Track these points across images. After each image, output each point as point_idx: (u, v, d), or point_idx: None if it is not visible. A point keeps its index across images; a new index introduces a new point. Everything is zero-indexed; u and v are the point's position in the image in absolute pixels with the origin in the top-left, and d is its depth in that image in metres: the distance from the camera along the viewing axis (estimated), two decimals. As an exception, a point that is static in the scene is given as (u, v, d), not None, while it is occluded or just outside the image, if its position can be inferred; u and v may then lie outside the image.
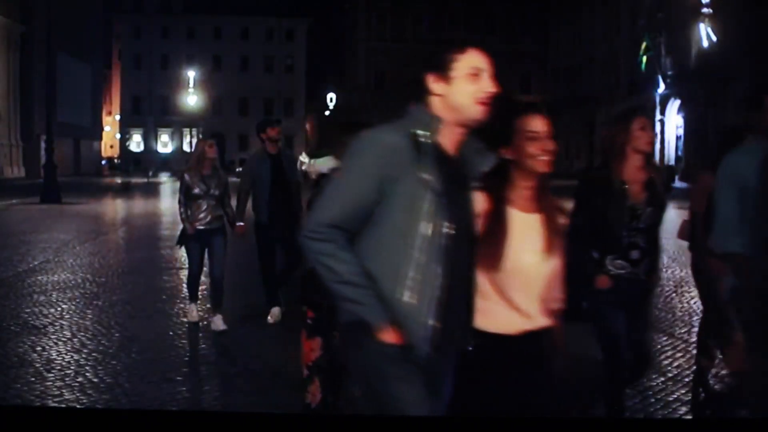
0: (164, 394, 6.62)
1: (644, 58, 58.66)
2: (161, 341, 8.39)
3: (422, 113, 3.25)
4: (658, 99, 61.50)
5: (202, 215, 8.91)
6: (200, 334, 8.75)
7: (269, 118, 11.79)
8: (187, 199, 8.95)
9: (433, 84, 3.24)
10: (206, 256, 9.16)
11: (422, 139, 3.18)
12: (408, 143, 3.14)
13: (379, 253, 3.18)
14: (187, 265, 9.79)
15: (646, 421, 5.70)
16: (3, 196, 32.52)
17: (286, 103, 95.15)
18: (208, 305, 9.50)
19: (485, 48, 3.26)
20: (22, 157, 58.62)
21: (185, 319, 9.45)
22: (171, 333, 8.79)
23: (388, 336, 3.14)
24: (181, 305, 10.42)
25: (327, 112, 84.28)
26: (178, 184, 9.36)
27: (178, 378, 7.06)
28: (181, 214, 9.05)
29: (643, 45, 59.04)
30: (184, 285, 12.10)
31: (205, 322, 9.31)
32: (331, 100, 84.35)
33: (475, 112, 3.21)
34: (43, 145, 37.20)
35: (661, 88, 59.68)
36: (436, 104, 3.24)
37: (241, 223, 9.28)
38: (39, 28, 53.49)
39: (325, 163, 5.31)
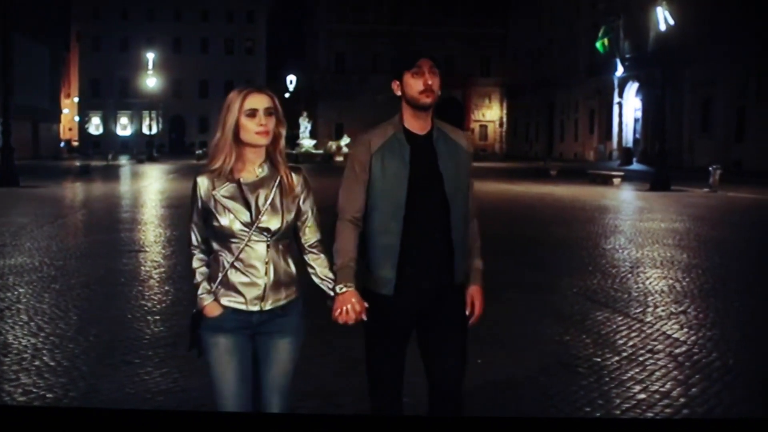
0: (123, 376, 6.60)
1: (603, 41, 59.12)
2: (119, 324, 8.35)
3: None
4: (616, 82, 62.09)
5: (242, 279, 3.70)
6: (158, 317, 8.70)
7: (412, 48, 4.16)
8: (206, 236, 3.78)
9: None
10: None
11: None
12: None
13: None
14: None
15: (644, 421, 5.78)
16: (-42, 180, 32.08)
17: (247, 85, 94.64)
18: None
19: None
20: (-22, 140, 57.80)
21: (143, 302, 9.43)
22: (129, 316, 8.73)
23: None
24: (140, 288, 10.38)
25: (287, 95, 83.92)
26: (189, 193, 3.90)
27: (137, 360, 7.03)
28: (195, 273, 3.78)
29: (602, 28, 59.49)
30: (143, 267, 12.07)
31: (163, 304, 9.30)
32: (291, 82, 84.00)
33: None
34: (-1, 127, 36.64)
35: (620, 70, 60.22)
36: None
37: (349, 287, 3.85)
38: (-6, 9, 52.56)
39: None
